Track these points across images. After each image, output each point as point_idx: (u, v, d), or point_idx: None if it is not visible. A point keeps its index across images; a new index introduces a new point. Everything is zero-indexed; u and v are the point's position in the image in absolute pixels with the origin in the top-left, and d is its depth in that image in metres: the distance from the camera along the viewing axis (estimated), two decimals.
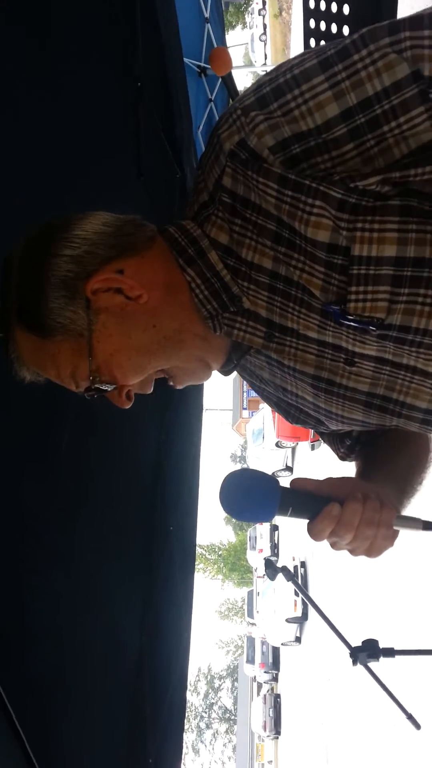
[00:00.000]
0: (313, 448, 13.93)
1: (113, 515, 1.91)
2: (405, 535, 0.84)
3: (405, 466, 0.93)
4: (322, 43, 1.61)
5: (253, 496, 0.78)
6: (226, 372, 0.91)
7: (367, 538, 0.78)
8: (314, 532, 0.78)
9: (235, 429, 29.21)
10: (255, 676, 23.45)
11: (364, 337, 0.76)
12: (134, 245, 0.79)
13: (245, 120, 0.67)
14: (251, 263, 0.76)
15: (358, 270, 0.70)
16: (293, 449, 17.00)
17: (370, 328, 0.73)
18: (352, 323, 0.73)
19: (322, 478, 0.81)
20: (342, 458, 1.07)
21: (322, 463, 13.07)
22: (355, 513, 0.77)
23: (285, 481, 0.80)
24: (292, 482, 0.80)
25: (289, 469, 17.16)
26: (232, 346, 0.87)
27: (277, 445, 16.31)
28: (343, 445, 1.04)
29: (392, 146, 0.64)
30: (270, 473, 0.80)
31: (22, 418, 1.34)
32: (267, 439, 16.73)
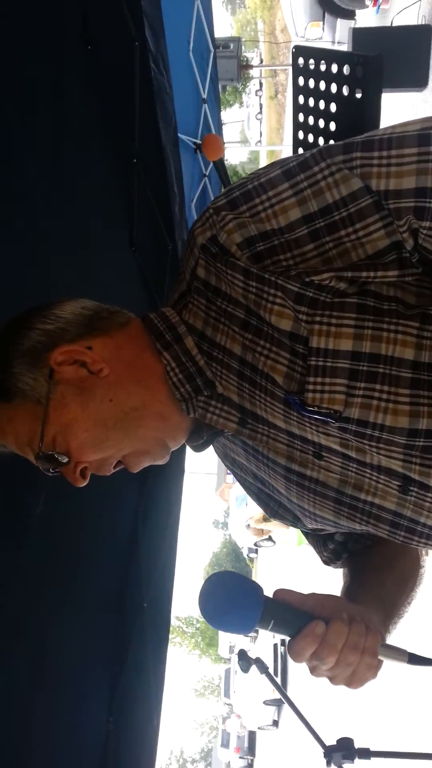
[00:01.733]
0: None
1: (82, 588, 1.84)
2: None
3: (393, 588, 0.91)
4: (310, 135, 1.70)
5: (232, 604, 0.74)
6: (196, 448, 0.91)
7: (349, 665, 0.74)
8: (295, 651, 0.74)
9: (219, 494, 28.81)
10: (229, 762, 22.21)
11: (327, 429, 0.76)
12: (106, 327, 0.83)
13: (217, 218, 0.72)
14: (224, 348, 0.79)
15: (316, 361, 0.72)
16: None
17: (329, 420, 0.74)
18: (312, 414, 0.74)
19: (306, 593, 0.78)
20: (326, 563, 1.03)
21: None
22: (339, 635, 0.73)
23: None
24: (275, 593, 0.77)
25: (272, 539, 16.86)
26: (203, 425, 0.87)
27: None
28: (326, 548, 1.02)
29: (350, 250, 0.69)
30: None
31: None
32: (250, 506, 16.50)
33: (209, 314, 0.79)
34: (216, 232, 0.72)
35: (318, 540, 1.03)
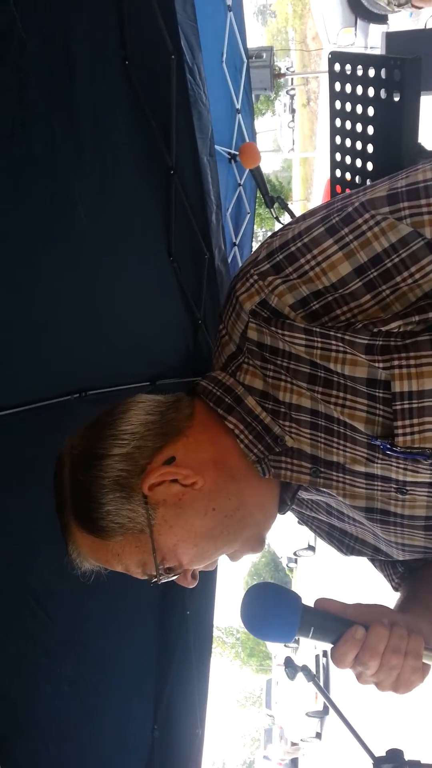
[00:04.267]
0: None
1: (126, 596, 1.86)
2: None
3: None
4: (348, 140, 1.69)
5: (272, 614, 0.75)
6: (282, 512, 0.90)
7: (393, 668, 0.73)
8: (337, 658, 0.74)
9: None
10: None
11: (416, 467, 0.75)
12: (177, 428, 0.81)
13: (263, 283, 0.72)
14: (290, 404, 0.77)
15: (402, 405, 0.71)
16: None
17: (420, 458, 0.73)
18: (401, 455, 0.73)
19: (349, 603, 0.78)
20: (395, 588, 1.01)
21: None
22: (380, 638, 0.72)
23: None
24: (316, 602, 0.77)
25: (312, 548, 16.64)
26: (282, 487, 0.86)
27: (299, 523, 15.89)
28: (395, 572, 1.01)
29: (407, 292, 0.68)
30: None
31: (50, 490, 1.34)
32: (289, 516, 16.32)
33: (266, 373, 0.78)
34: (265, 296, 0.72)
35: (386, 565, 1.01)
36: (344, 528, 0.93)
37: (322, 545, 15.88)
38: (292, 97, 23.55)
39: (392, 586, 1.02)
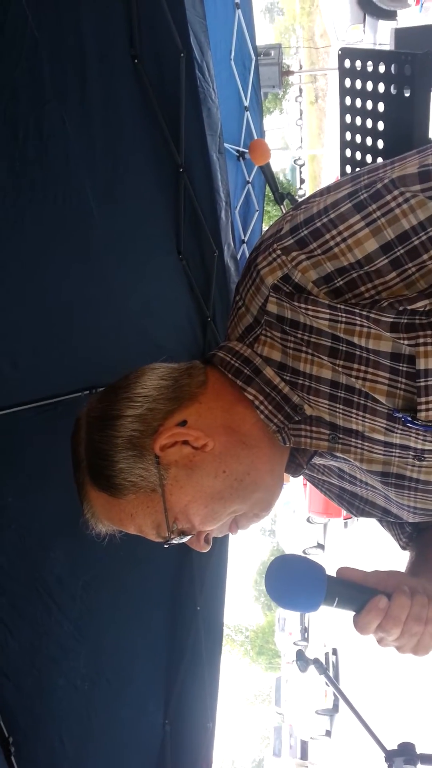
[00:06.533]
0: (346, 525, 13.54)
1: (136, 591, 1.87)
2: None
3: None
4: (358, 136, 1.70)
5: (298, 584, 0.77)
6: (295, 475, 0.92)
7: (414, 635, 0.76)
8: (360, 626, 0.76)
9: None
10: None
11: None
12: (190, 393, 0.82)
13: (286, 258, 0.72)
14: (310, 375, 0.78)
15: (426, 382, 0.71)
16: (325, 525, 16.53)
17: None
18: (422, 427, 0.74)
19: (369, 570, 0.80)
20: (403, 548, 1.04)
21: (355, 541, 12.74)
22: (402, 607, 0.75)
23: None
24: (338, 571, 0.79)
25: (321, 546, 16.63)
26: (298, 451, 0.88)
27: (308, 520, 15.91)
28: (403, 532, 1.02)
29: None
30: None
31: (62, 485, 1.35)
32: (298, 514, 16.36)
33: (286, 345, 0.78)
34: (288, 271, 0.72)
35: (394, 526, 1.03)
36: (355, 491, 0.95)
37: (331, 543, 15.84)
38: (301, 91, 23.54)
39: (400, 545, 1.04)
